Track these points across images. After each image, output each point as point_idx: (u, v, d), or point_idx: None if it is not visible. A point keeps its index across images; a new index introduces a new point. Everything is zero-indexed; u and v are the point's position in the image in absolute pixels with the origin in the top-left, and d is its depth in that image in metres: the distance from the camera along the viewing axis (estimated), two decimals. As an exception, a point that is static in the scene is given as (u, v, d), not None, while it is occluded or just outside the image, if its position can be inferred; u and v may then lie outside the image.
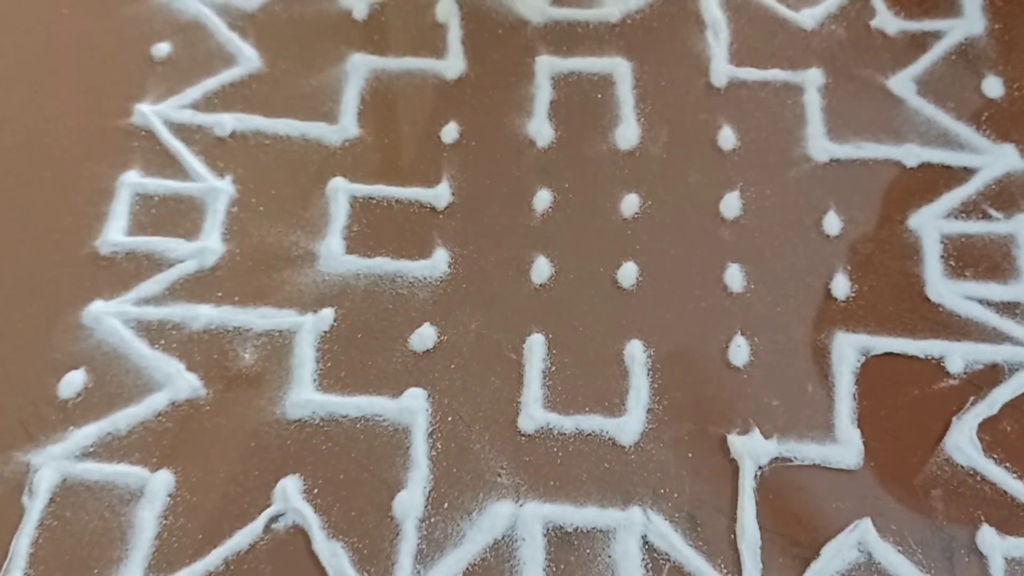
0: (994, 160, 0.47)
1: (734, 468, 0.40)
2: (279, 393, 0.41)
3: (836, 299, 0.43)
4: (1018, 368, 0.42)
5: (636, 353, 0.42)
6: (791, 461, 0.40)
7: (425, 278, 0.44)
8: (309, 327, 0.43)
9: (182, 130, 0.48)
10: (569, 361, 0.42)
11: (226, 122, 0.48)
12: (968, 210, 0.46)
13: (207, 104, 0.49)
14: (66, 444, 0.40)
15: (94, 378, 0.42)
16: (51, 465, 0.39)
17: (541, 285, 0.44)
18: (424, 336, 0.43)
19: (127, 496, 0.39)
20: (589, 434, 0.41)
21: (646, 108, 0.49)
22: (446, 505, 0.39)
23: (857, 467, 0.40)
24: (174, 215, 0.46)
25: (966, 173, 0.47)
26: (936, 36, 0.51)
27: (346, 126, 0.49)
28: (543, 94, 0.50)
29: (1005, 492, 0.39)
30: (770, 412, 0.41)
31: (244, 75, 0.50)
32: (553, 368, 0.42)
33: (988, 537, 0.38)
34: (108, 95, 0.49)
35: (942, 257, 0.45)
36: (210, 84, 0.50)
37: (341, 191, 0.47)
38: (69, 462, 0.40)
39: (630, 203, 0.46)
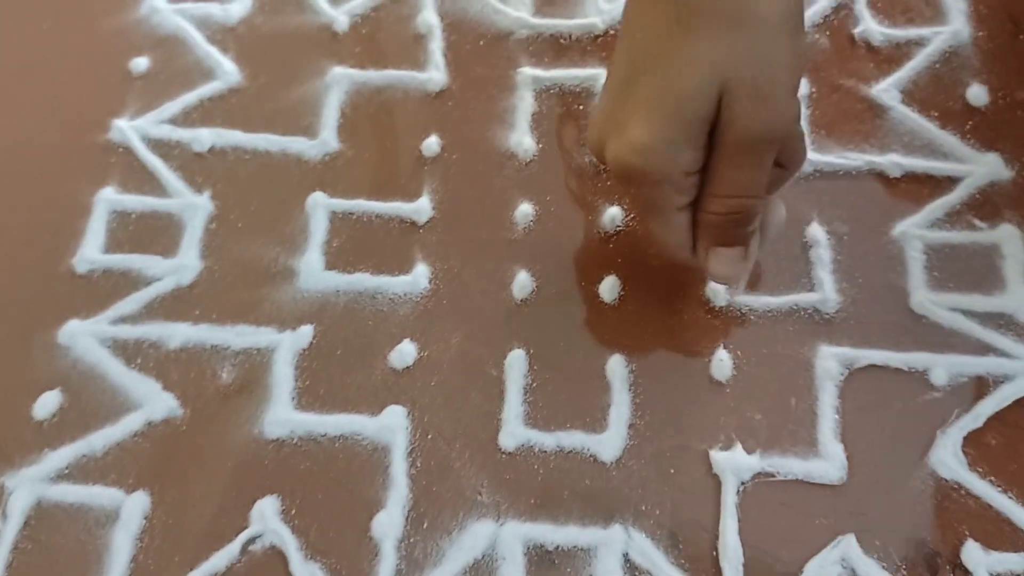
0: (978, 169, 0.47)
1: (716, 484, 0.39)
2: (257, 412, 0.41)
3: (819, 311, 0.43)
4: (1003, 380, 0.41)
5: (618, 368, 0.42)
6: (774, 476, 0.39)
7: (405, 294, 0.44)
8: (288, 345, 0.42)
9: (160, 145, 0.48)
10: (550, 377, 0.42)
11: (205, 137, 0.48)
12: (952, 220, 0.45)
13: (186, 119, 0.49)
14: (41, 466, 0.40)
15: (70, 398, 0.41)
16: (26, 487, 0.39)
17: (522, 300, 0.44)
18: (404, 353, 0.42)
19: (103, 518, 0.39)
20: (570, 451, 0.40)
21: (628, 120, 0.49)
22: (425, 524, 0.39)
23: (840, 482, 0.39)
24: (152, 232, 0.46)
25: (950, 182, 0.46)
26: (920, 44, 0.51)
27: (326, 140, 0.48)
28: (525, 106, 0.49)
29: (990, 506, 0.39)
30: (753, 427, 0.40)
31: (223, 89, 0.50)
32: (534, 384, 0.42)
33: (973, 552, 0.37)
34: (85, 110, 0.49)
35: (926, 268, 0.44)
36: (189, 99, 0.50)
37: (321, 206, 0.46)
38: (44, 484, 0.39)
39: (612, 217, 0.46)
